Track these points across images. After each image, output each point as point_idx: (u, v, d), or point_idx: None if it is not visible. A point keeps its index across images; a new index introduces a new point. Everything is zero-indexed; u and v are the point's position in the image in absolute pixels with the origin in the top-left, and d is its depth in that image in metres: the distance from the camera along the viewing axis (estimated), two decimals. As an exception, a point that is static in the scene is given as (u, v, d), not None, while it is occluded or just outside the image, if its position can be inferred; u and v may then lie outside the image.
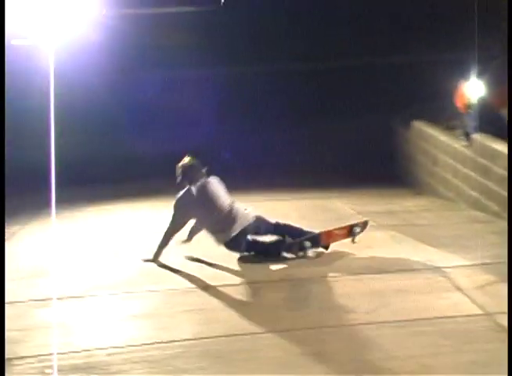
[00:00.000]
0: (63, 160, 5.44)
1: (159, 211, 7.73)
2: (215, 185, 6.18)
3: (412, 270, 5.56)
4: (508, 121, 7.53)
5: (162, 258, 6.03)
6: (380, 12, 12.34)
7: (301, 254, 5.88)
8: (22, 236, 7.14)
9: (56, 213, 7.25)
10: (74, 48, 10.47)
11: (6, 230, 7.30)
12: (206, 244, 6.14)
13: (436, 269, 5.51)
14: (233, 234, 5.95)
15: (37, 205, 8.15)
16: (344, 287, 5.24)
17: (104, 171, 10.50)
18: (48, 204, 8.18)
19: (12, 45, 10.51)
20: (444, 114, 9.01)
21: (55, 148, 5.43)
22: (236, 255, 5.99)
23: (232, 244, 5.98)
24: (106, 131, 12.46)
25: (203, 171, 6.17)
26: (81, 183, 9.67)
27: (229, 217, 6.02)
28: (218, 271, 5.74)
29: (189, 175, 6.12)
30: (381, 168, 10.16)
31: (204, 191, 6.07)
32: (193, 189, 6.06)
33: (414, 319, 4.62)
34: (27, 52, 10.53)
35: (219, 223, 6.01)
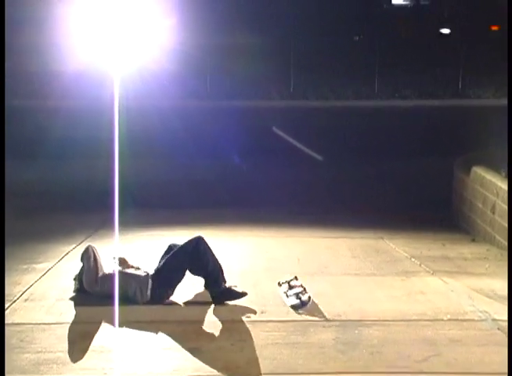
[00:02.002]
0: (127, 183, 5.46)
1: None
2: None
3: (467, 320, 5.41)
4: (508, 123, 7.38)
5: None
6: (449, 54, 12.25)
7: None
8: (74, 256, 7.15)
9: (109, 235, 7.32)
10: (146, 75, 10.63)
11: (60, 249, 7.37)
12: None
13: (491, 322, 5.35)
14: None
15: (94, 225, 8.25)
16: (395, 333, 5.11)
17: (165, 195, 10.58)
18: (103, 226, 8.25)
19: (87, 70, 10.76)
20: (505, 161, 8.82)
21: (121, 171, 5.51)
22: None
23: None
24: (172, 155, 12.57)
25: None
26: (143, 206, 9.72)
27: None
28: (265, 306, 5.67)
29: None
30: (437, 211, 9.98)
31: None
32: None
33: (466, 373, 4.48)
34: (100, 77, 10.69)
35: None
